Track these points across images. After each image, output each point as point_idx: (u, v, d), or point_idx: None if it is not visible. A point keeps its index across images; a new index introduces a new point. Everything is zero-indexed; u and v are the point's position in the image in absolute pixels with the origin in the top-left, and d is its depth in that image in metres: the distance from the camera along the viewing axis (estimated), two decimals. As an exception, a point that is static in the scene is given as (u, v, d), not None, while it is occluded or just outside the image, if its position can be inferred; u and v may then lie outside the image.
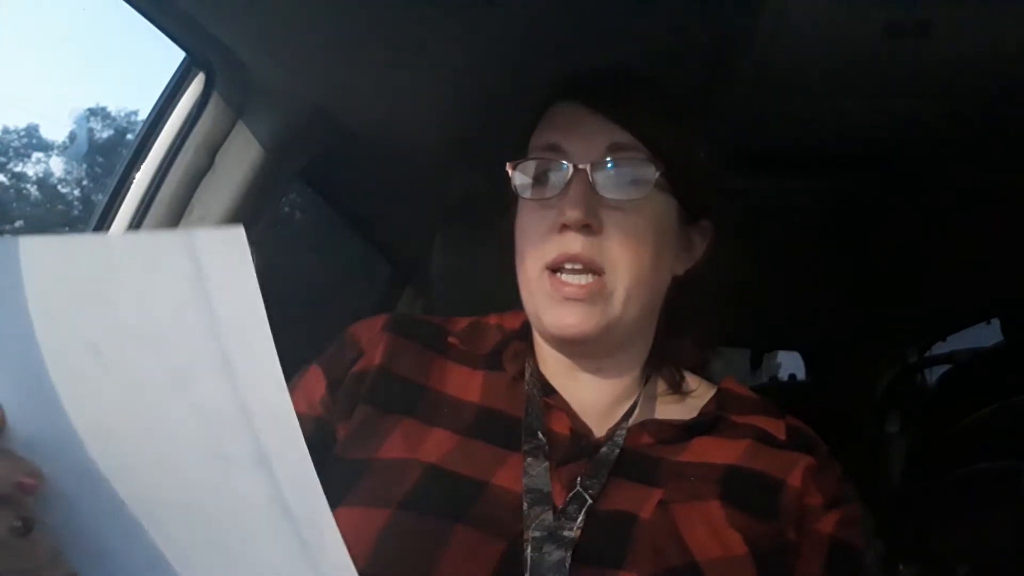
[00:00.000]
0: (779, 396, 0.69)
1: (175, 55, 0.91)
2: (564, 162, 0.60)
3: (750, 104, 0.94)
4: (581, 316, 0.58)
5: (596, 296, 0.58)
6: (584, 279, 0.59)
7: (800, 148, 1.09)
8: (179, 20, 0.82)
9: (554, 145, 0.62)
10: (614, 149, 0.60)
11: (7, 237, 0.38)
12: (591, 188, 0.59)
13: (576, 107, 0.63)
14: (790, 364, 3.38)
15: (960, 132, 0.99)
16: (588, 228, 0.58)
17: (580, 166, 0.59)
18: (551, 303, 0.59)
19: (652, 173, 0.60)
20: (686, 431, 0.61)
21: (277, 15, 0.78)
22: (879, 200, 1.25)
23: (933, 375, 2.22)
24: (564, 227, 0.58)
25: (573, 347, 0.63)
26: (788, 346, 2.85)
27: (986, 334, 2.00)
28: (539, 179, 0.62)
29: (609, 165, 0.60)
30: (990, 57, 0.81)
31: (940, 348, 2.24)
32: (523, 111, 0.66)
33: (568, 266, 0.59)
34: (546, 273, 0.59)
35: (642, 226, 0.60)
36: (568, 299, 0.59)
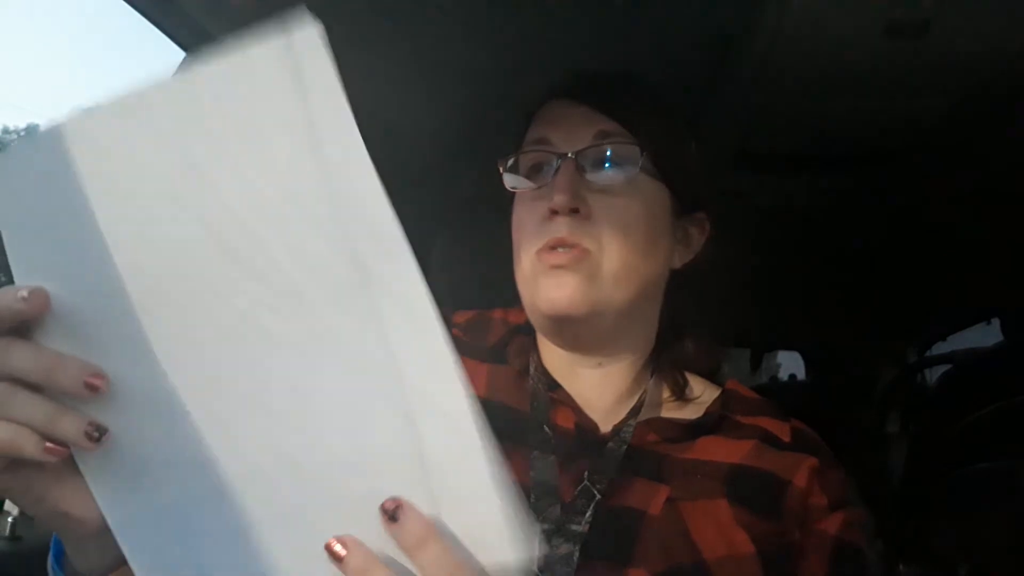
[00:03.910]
0: (779, 396, 0.69)
1: (175, 55, 0.91)
2: (555, 153, 0.61)
3: (750, 104, 0.94)
4: (570, 287, 0.58)
5: (582, 265, 0.58)
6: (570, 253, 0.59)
7: (800, 148, 1.09)
8: (179, 20, 0.82)
9: (542, 138, 0.63)
10: (600, 136, 0.61)
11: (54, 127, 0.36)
12: (578, 174, 0.60)
13: (564, 103, 0.64)
14: (790, 364, 3.38)
15: (960, 132, 0.99)
16: (576, 212, 0.59)
17: (568, 154, 0.60)
18: (541, 279, 0.60)
19: (637, 155, 0.60)
20: (691, 430, 0.61)
21: (277, 15, 0.77)
22: (879, 200, 1.25)
23: (933, 375, 2.21)
24: (553, 213, 0.59)
25: (567, 329, 0.62)
26: (788, 346, 2.85)
27: (986, 334, 2.00)
28: (530, 172, 0.63)
29: (595, 151, 0.61)
30: (990, 57, 0.81)
31: (940, 348, 2.24)
32: (521, 111, 0.67)
33: (559, 249, 0.59)
34: (537, 259, 0.60)
35: (631, 209, 0.61)
36: (555, 267, 0.59)
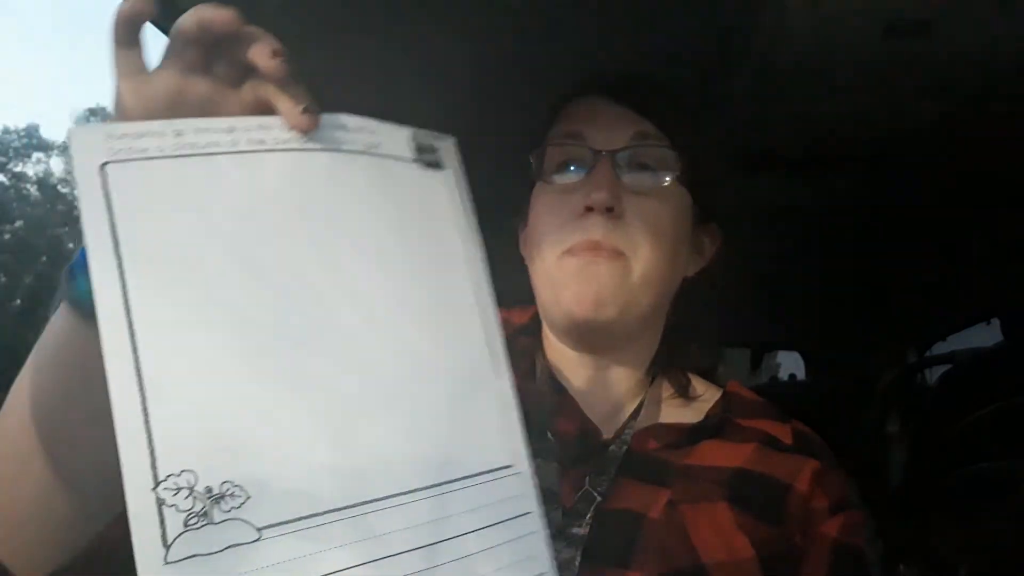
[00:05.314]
0: (779, 396, 0.69)
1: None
2: (589, 148, 0.60)
3: (750, 104, 0.94)
4: (597, 293, 0.58)
5: (613, 274, 0.58)
6: (603, 257, 0.58)
7: (800, 148, 1.09)
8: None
9: (577, 133, 0.62)
10: (638, 137, 0.61)
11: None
12: (615, 173, 0.59)
13: (598, 100, 0.63)
14: (790, 364, 3.38)
15: (960, 132, 0.99)
16: (611, 212, 0.58)
17: (604, 151, 0.60)
18: (570, 280, 0.59)
19: (674, 161, 0.60)
20: (692, 434, 0.61)
21: (276, 14, 0.77)
22: (879, 200, 1.25)
23: (933, 375, 2.21)
24: (587, 210, 0.58)
25: (588, 330, 0.61)
26: (788, 346, 2.86)
27: (986, 334, 2.00)
28: (561, 166, 0.62)
29: (633, 152, 0.60)
30: (990, 57, 0.81)
31: (940, 348, 2.24)
32: (522, 109, 0.67)
33: (589, 249, 0.58)
34: (565, 256, 0.59)
35: (663, 215, 0.60)
36: (585, 276, 0.58)
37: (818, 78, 0.87)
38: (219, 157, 0.39)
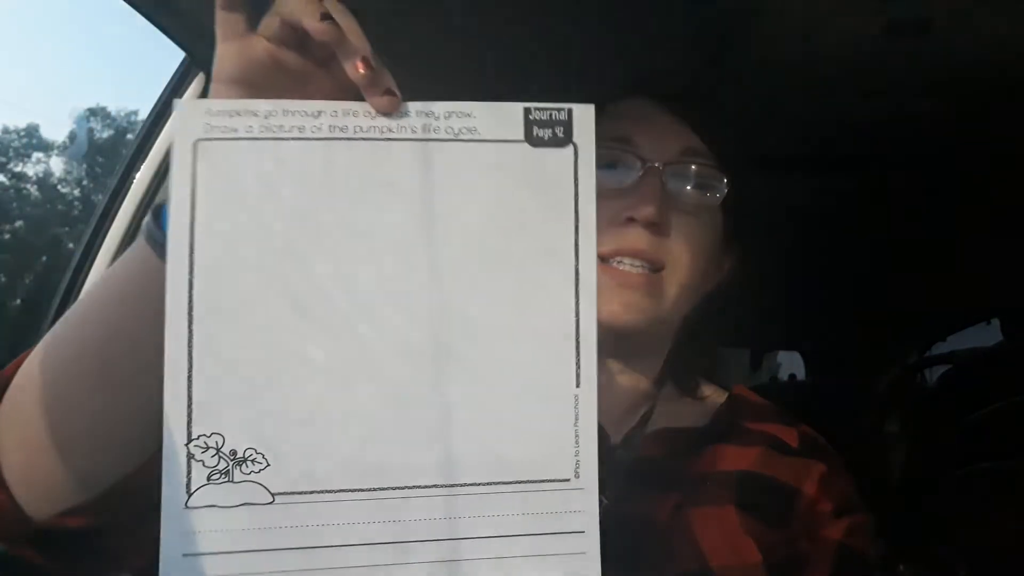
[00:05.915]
0: (779, 396, 0.69)
1: (175, 55, 0.91)
2: (638, 157, 0.60)
3: (750, 104, 0.94)
4: (634, 306, 0.58)
5: (651, 288, 0.58)
6: (642, 269, 0.58)
7: (800, 148, 1.09)
8: (179, 20, 0.82)
9: (625, 137, 0.61)
10: (688, 153, 0.60)
11: None
12: (663, 187, 0.59)
13: (648, 104, 0.62)
14: (790, 364, 3.38)
15: (961, 131, 0.99)
16: (655, 226, 0.58)
17: (656, 164, 0.59)
18: (603, 288, 0.56)
19: (722, 183, 0.60)
20: (700, 438, 0.61)
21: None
22: (879, 200, 1.25)
23: (933, 375, 2.22)
24: (630, 221, 0.58)
25: (612, 339, 0.60)
26: (788, 346, 2.86)
27: (986, 334, 2.00)
28: (604, 169, 0.61)
29: (683, 167, 0.60)
30: (990, 56, 0.81)
31: (940, 348, 2.24)
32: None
33: (628, 260, 0.58)
34: (598, 261, 0.58)
35: (701, 232, 0.60)
36: (623, 286, 0.58)
37: (818, 78, 0.87)
38: (297, 143, 0.39)
